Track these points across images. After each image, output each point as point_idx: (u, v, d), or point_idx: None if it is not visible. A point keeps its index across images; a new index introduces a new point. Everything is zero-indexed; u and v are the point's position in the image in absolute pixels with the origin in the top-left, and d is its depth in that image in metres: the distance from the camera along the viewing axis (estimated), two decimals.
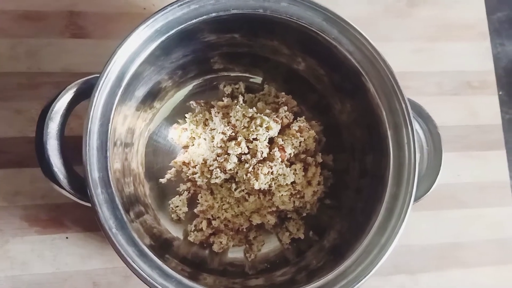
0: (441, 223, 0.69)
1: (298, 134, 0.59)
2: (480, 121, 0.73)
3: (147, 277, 0.45)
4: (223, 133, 0.58)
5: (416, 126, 0.54)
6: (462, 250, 0.69)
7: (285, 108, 0.60)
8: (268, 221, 0.60)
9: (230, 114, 0.59)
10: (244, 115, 0.58)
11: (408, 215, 0.49)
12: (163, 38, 0.49)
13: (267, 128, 0.57)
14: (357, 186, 0.59)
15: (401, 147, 0.51)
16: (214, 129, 0.60)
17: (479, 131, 0.73)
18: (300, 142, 0.59)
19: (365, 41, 0.52)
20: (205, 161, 0.59)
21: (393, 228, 0.49)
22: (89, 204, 0.46)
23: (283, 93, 0.64)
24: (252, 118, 0.58)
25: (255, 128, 0.56)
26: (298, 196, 0.59)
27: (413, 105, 0.55)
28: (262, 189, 0.57)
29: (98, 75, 0.47)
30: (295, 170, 0.58)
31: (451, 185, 0.70)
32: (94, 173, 0.45)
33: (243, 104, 0.62)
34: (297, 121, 0.61)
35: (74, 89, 0.47)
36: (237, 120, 0.58)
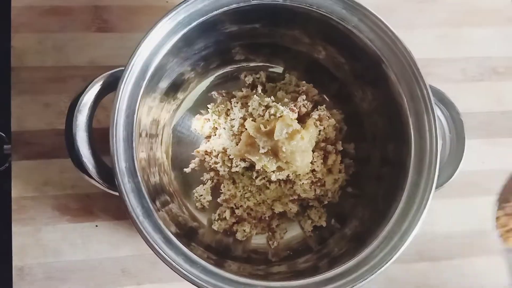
0: (465, 211, 0.69)
1: (318, 122, 0.59)
2: (505, 107, 0.72)
3: (173, 263, 0.46)
4: (243, 118, 0.59)
5: (438, 113, 0.53)
6: (487, 237, 0.68)
7: (304, 97, 0.61)
8: (290, 209, 0.61)
9: (249, 104, 0.60)
10: (260, 104, 0.59)
11: (430, 202, 0.49)
12: (185, 30, 0.50)
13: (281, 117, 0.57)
14: (379, 174, 0.59)
15: (422, 135, 0.51)
16: (234, 119, 0.61)
17: (504, 117, 0.72)
18: (320, 131, 0.60)
19: (386, 28, 0.52)
20: (225, 150, 0.60)
21: (414, 215, 0.49)
22: (117, 193, 0.47)
23: (304, 82, 0.64)
24: (267, 107, 0.58)
25: (269, 117, 0.57)
26: (319, 184, 0.60)
27: (435, 92, 0.54)
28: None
29: (123, 68, 0.48)
30: (313, 158, 0.59)
31: (475, 172, 0.70)
32: (121, 163, 0.47)
33: (261, 94, 0.62)
34: (317, 110, 0.61)
35: (101, 82, 0.49)
36: (253, 108, 0.59)
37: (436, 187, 0.50)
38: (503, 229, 0.44)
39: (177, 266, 0.46)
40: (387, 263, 0.48)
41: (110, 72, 0.49)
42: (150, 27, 0.49)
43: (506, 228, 0.44)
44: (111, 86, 0.49)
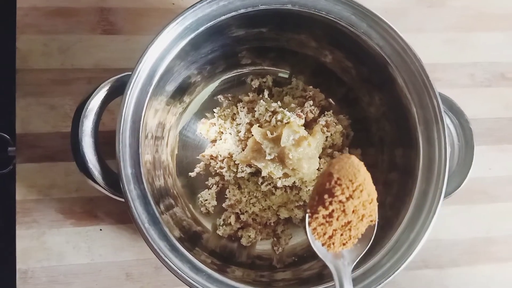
0: (472, 218, 0.68)
1: (325, 129, 0.59)
2: None
3: (178, 271, 0.46)
4: (249, 123, 0.58)
5: (447, 120, 0.53)
6: (493, 245, 0.68)
7: (311, 102, 0.60)
8: (296, 215, 0.61)
9: (255, 109, 0.59)
10: (266, 109, 0.58)
11: (438, 211, 0.49)
12: (192, 35, 0.49)
13: (288, 124, 0.57)
14: (386, 180, 0.58)
15: (431, 143, 0.50)
16: (240, 123, 0.60)
17: None
18: (326, 137, 0.59)
19: (395, 35, 0.51)
20: (230, 155, 0.60)
21: (422, 224, 0.49)
22: (122, 199, 0.47)
23: (311, 86, 0.64)
24: (274, 113, 0.58)
25: (276, 123, 0.57)
26: None
27: (444, 99, 0.54)
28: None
29: (130, 73, 0.47)
30: (320, 164, 0.58)
31: (482, 179, 0.69)
32: (127, 169, 0.46)
33: (268, 98, 0.62)
34: (324, 116, 0.60)
35: (107, 87, 0.48)
36: (260, 114, 0.59)
37: (445, 196, 0.50)
38: (324, 237, 0.45)
39: (182, 274, 0.46)
40: (394, 273, 0.48)
41: (116, 77, 0.49)
42: (157, 32, 0.48)
43: (326, 235, 0.44)
44: (118, 91, 0.48)
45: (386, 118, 0.59)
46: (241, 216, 0.60)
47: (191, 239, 0.57)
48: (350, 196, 0.42)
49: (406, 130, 0.53)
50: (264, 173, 0.56)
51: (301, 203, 0.60)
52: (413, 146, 0.52)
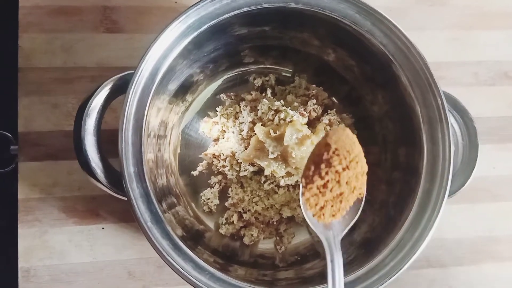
0: (475, 217, 0.68)
1: (328, 127, 0.58)
2: None
3: (181, 269, 0.46)
4: (252, 122, 0.58)
5: (451, 119, 0.52)
6: (497, 244, 0.68)
7: (314, 101, 0.60)
8: (299, 214, 0.61)
9: (258, 108, 0.59)
10: (269, 108, 0.58)
11: (442, 211, 0.48)
12: (195, 33, 0.49)
13: (291, 122, 0.57)
14: (389, 179, 0.58)
15: (435, 142, 0.50)
16: (243, 122, 0.60)
17: None
18: None
19: (399, 33, 0.51)
20: (233, 154, 0.60)
21: (426, 223, 0.49)
22: (124, 198, 0.47)
23: (314, 85, 0.63)
24: (277, 111, 0.58)
25: (279, 122, 0.56)
26: None
27: (448, 98, 0.54)
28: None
29: (133, 72, 0.47)
30: None
31: (486, 178, 0.69)
32: (129, 167, 0.46)
33: (271, 97, 0.62)
34: (327, 114, 0.60)
35: (110, 86, 0.48)
36: (263, 112, 0.58)
37: (449, 195, 0.49)
38: (316, 208, 0.44)
39: (185, 272, 0.46)
40: (397, 272, 0.48)
41: (119, 75, 0.48)
42: (160, 30, 0.48)
43: (318, 206, 0.44)
44: (120, 89, 0.48)
45: (390, 117, 0.59)
46: (244, 215, 0.60)
47: (194, 237, 0.57)
48: (347, 166, 0.42)
49: (410, 129, 0.53)
50: (267, 172, 0.56)
51: None
52: (416, 145, 0.52)
